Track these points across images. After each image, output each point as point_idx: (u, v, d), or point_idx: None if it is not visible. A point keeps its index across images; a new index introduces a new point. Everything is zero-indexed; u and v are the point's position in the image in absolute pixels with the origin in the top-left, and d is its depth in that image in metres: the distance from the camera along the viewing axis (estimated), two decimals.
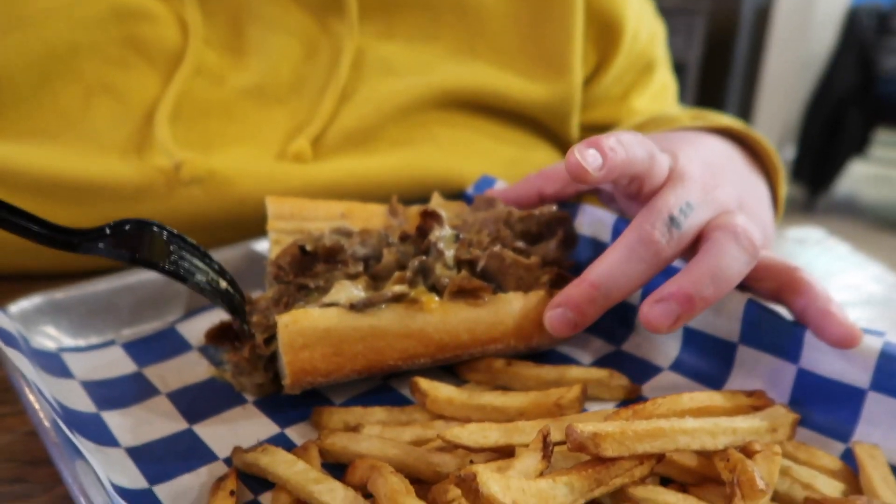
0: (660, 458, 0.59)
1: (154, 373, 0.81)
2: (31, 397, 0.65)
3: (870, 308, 1.08)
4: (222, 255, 0.87)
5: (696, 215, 0.74)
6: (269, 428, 0.73)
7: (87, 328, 0.85)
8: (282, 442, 0.70)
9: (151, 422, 0.73)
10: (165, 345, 0.85)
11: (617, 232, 0.86)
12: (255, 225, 0.96)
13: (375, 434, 0.68)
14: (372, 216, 0.88)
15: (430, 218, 0.80)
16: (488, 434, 0.63)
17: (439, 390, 0.71)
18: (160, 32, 1.06)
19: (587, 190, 0.94)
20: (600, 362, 0.83)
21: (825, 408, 0.71)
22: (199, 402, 0.76)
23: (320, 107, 1.11)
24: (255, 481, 0.65)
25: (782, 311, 0.75)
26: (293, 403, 0.75)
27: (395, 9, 1.16)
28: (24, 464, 0.71)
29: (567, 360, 0.83)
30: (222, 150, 1.08)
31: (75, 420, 0.69)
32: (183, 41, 1.06)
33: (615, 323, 0.85)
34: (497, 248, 0.79)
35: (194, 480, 0.65)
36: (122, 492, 0.62)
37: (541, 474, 0.55)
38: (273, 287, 0.78)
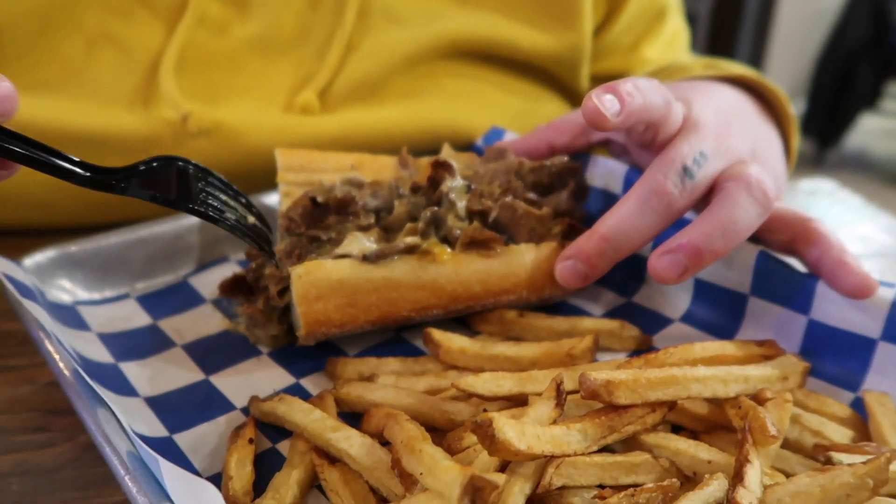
0: (671, 405, 0.59)
1: (169, 325, 0.81)
2: (51, 348, 0.66)
3: (882, 259, 1.08)
4: None
5: (710, 165, 0.73)
6: (284, 378, 0.74)
7: (100, 281, 0.86)
8: (297, 392, 0.71)
9: (168, 373, 0.74)
10: (179, 298, 0.86)
11: (629, 182, 0.85)
12: (264, 178, 0.95)
13: (390, 384, 0.69)
14: (382, 168, 0.87)
15: (441, 168, 0.80)
16: (502, 383, 0.64)
17: (452, 341, 0.72)
18: None
19: (598, 142, 0.93)
20: (612, 314, 0.83)
21: (835, 358, 0.71)
22: (214, 353, 0.77)
23: (326, 58, 1.09)
24: (272, 430, 0.66)
25: (793, 263, 0.75)
26: (307, 355, 0.76)
27: None
28: (46, 413, 0.72)
29: (579, 312, 0.84)
30: (228, 102, 1.07)
31: (94, 371, 0.70)
32: None
33: (626, 275, 0.85)
34: (509, 198, 0.79)
35: (213, 429, 0.66)
36: (143, 440, 0.63)
37: (554, 422, 0.56)
38: (285, 239, 0.78)
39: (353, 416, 0.66)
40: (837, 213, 1.24)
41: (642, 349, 0.77)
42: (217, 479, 0.60)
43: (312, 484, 0.60)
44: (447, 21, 1.13)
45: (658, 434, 0.58)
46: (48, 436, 0.69)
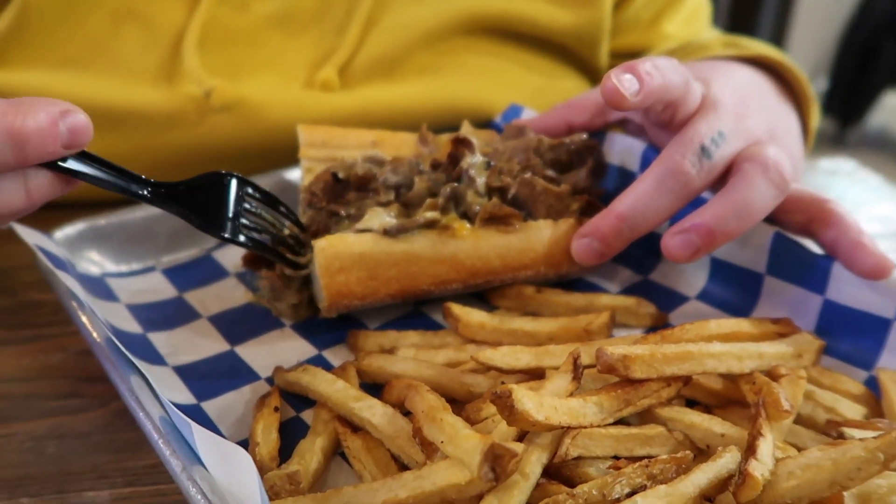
0: (686, 380, 0.61)
1: (194, 297, 0.83)
2: (84, 318, 0.68)
3: None
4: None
5: (728, 145, 0.74)
6: (307, 350, 0.76)
7: (128, 254, 0.88)
8: (320, 363, 0.73)
9: (195, 343, 0.76)
10: (203, 271, 0.88)
11: (646, 160, 0.86)
12: (285, 153, 0.96)
13: (410, 356, 0.70)
14: (402, 144, 0.88)
15: (461, 144, 0.80)
16: (520, 356, 0.65)
17: (471, 315, 0.73)
18: None
19: (615, 121, 0.93)
20: (628, 291, 0.84)
21: (850, 337, 0.72)
22: (238, 325, 0.79)
23: (346, 34, 1.09)
24: (296, 399, 0.68)
25: (809, 244, 0.76)
26: (329, 327, 0.78)
27: None
28: (79, 380, 0.75)
29: (595, 289, 0.85)
30: (250, 78, 1.08)
31: (124, 340, 0.72)
32: None
33: (643, 253, 0.86)
34: (528, 175, 0.79)
35: (239, 398, 0.69)
36: (174, 406, 0.65)
37: (570, 395, 0.57)
38: (306, 213, 0.80)
39: (374, 388, 0.68)
40: (857, 193, 1.24)
41: (658, 326, 0.78)
42: (244, 446, 0.62)
43: (336, 451, 0.62)
44: None
45: (672, 408, 0.60)
46: (81, 401, 0.72)
